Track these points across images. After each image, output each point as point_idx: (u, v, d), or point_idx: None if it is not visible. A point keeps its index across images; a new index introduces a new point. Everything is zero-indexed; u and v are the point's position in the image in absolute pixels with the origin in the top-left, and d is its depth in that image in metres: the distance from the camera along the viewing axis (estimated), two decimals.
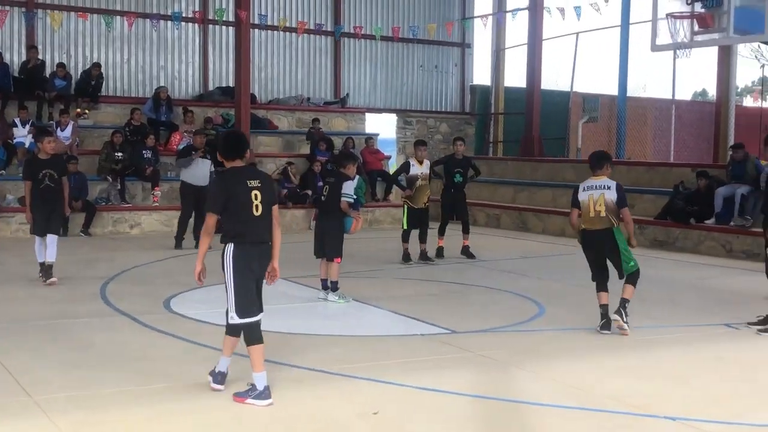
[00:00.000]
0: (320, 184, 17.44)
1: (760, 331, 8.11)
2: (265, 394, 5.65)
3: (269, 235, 5.85)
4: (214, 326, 7.95)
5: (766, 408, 5.92)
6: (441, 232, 13.11)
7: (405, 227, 12.56)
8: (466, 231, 13.18)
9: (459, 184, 13.07)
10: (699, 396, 6.10)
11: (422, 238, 12.65)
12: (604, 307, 7.92)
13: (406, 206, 12.55)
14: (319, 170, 17.67)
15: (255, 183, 5.76)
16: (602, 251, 7.93)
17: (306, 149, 19.12)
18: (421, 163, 12.52)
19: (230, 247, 5.71)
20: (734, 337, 7.99)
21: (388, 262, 12.49)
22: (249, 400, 5.64)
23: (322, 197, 9.54)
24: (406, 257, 12.51)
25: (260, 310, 5.88)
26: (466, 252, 13.08)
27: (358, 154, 18.91)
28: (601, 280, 7.99)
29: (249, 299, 5.75)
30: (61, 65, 17.75)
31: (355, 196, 9.50)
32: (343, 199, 9.31)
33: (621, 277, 8.04)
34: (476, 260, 12.91)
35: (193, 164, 13.74)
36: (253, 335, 5.77)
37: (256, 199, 5.71)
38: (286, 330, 7.91)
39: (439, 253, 12.97)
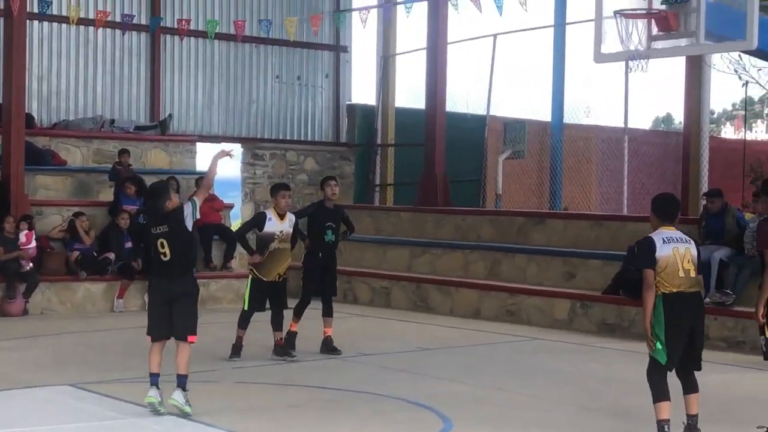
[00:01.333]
0: (128, 245, 17.33)
1: None
2: None
3: None
4: None
5: None
6: (298, 313, 13.03)
7: (246, 307, 12.54)
8: (329, 314, 13.14)
9: (331, 244, 13.11)
10: None
11: (276, 324, 12.59)
12: (665, 423, 8.08)
13: (251, 277, 12.55)
14: (126, 225, 17.40)
15: None
16: (694, 326, 8.31)
17: (108, 195, 18.85)
18: (282, 217, 12.52)
19: None
20: None
21: (229, 359, 12.39)
22: None
23: (162, 256, 9.42)
24: (236, 350, 12.49)
25: None
26: (328, 345, 13.02)
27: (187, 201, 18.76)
28: (676, 370, 8.26)
29: None
30: None
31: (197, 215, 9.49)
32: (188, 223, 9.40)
33: (697, 366, 8.35)
34: (353, 355, 12.91)
35: None
36: None
37: None
38: None
39: (290, 341, 12.87)
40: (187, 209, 9.43)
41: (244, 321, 12.54)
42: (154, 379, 9.31)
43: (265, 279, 12.44)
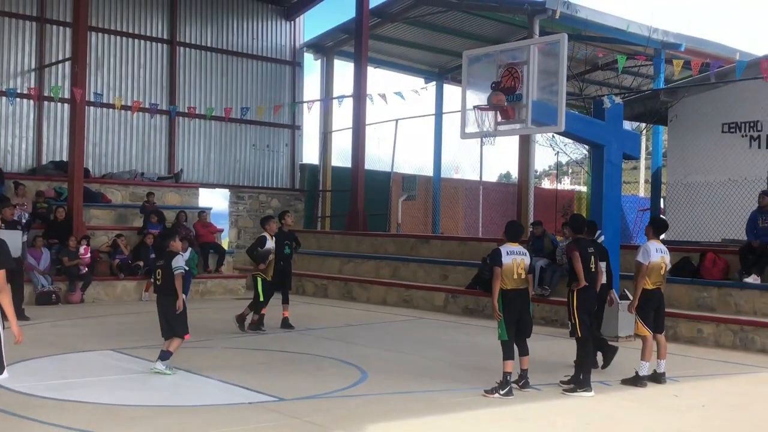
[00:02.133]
0: (152, 256, 17.02)
1: (565, 390, 8.45)
2: None
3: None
4: (42, 399, 7.44)
5: None
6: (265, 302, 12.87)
7: (262, 299, 12.35)
8: (286, 302, 12.97)
9: (288, 255, 12.99)
10: None
11: (256, 308, 12.46)
12: (509, 375, 8.15)
13: (259, 279, 12.33)
14: (151, 243, 17.15)
15: None
16: (522, 310, 8.35)
17: (139, 222, 18.53)
18: (272, 237, 12.40)
19: None
20: (537, 397, 8.28)
21: (219, 332, 12.17)
22: None
23: (157, 282, 9.08)
24: (257, 325, 12.40)
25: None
26: (286, 323, 12.86)
27: (191, 227, 18.55)
28: (515, 342, 8.31)
29: None
30: None
31: (186, 267, 9.22)
32: (176, 272, 8.90)
33: (527, 335, 8.44)
34: (302, 329, 12.80)
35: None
36: None
37: None
38: (113, 401, 7.49)
39: (260, 320, 12.71)
40: (183, 260, 9.04)
41: (260, 307, 12.37)
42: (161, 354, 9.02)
43: (268, 279, 12.32)
